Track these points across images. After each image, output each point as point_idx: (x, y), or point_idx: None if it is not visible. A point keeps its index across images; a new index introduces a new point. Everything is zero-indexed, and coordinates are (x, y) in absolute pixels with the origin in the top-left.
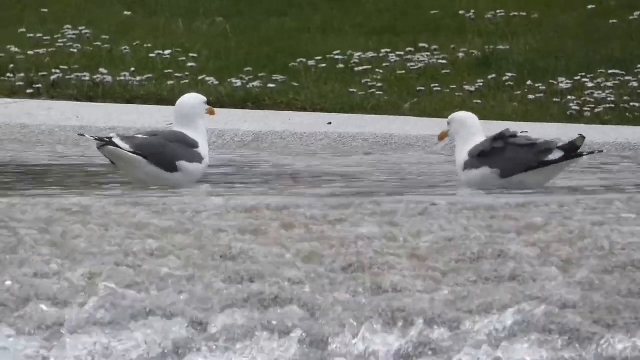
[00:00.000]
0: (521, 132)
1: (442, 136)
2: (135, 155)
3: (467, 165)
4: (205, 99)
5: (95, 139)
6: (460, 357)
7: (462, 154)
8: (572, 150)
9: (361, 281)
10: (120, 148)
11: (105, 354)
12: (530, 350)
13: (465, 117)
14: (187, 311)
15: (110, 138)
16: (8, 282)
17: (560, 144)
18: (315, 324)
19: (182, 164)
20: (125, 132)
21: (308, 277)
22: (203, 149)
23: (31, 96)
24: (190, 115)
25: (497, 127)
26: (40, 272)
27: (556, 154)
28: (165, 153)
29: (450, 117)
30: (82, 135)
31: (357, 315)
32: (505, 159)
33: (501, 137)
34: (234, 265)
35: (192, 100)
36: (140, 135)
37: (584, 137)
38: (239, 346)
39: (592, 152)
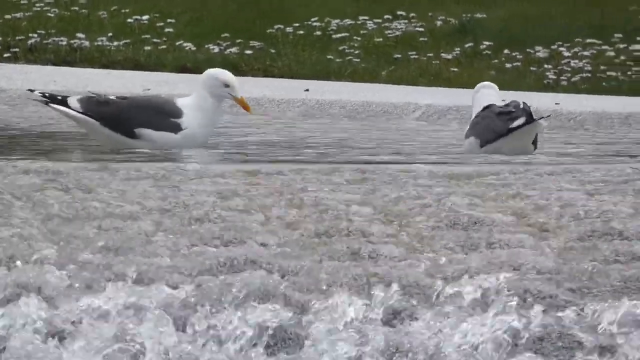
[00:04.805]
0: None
1: None
2: (85, 117)
3: (466, 134)
4: (228, 80)
5: (43, 96)
6: (435, 323)
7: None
8: (531, 116)
9: (337, 247)
10: (70, 108)
11: (83, 317)
12: (505, 317)
13: (479, 87)
14: (165, 276)
15: (65, 97)
16: None
17: (522, 110)
18: (291, 289)
19: (143, 131)
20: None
21: (284, 243)
22: (187, 120)
23: (8, 60)
24: (202, 84)
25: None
26: (18, 234)
27: (520, 121)
28: (122, 117)
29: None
30: (31, 90)
31: (333, 280)
32: (484, 128)
33: (488, 106)
34: (210, 229)
35: (208, 73)
36: (101, 97)
37: (525, 103)
38: (214, 310)
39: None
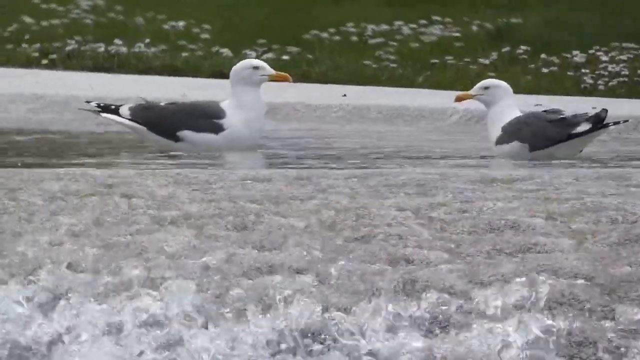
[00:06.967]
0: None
1: (463, 97)
2: (133, 123)
3: (500, 140)
4: (254, 63)
5: (98, 106)
6: (472, 329)
7: (496, 128)
8: (598, 122)
9: (374, 252)
10: (120, 116)
11: (114, 323)
12: (542, 322)
13: (506, 87)
14: (202, 280)
15: (118, 106)
16: (19, 248)
17: (587, 117)
18: (328, 294)
19: (185, 133)
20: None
21: (322, 247)
22: (230, 120)
23: (46, 67)
24: (233, 82)
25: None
26: (54, 241)
27: (584, 126)
28: (165, 122)
29: (487, 82)
30: (88, 102)
31: (370, 286)
32: (535, 134)
33: (532, 113)
34: (249, 234)
35: (237, 66)
36: (149, 103)
37: (606, 110)
38: (252, 314)
39: (618, 123)
